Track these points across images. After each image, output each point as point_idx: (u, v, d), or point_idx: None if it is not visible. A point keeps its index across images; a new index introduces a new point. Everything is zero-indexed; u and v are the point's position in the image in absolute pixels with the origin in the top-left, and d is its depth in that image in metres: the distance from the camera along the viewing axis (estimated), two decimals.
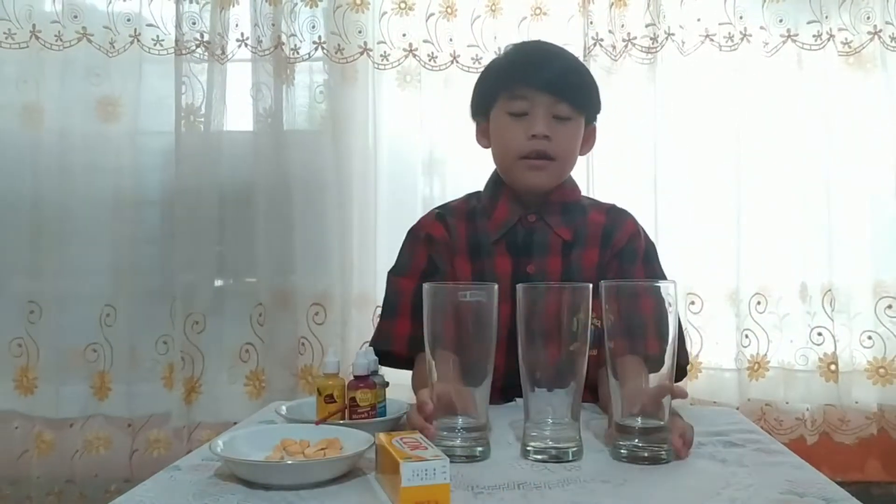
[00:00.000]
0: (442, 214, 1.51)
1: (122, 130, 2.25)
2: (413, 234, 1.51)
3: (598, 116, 1.51)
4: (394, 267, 1.50)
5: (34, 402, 2.21)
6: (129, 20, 2.26)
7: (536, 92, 1.38)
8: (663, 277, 1.47)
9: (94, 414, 2.22)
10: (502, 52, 1.56)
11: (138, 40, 2.25)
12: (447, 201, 1.59)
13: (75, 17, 2.24)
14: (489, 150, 1.49)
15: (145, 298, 2.23)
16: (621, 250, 1.44)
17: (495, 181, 1.50)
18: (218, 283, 2.25)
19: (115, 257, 2.24)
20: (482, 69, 1.56)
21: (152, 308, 2.22)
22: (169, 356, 2.23)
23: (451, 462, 0.99)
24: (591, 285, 1.03)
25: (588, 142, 1.50)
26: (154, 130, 2.27)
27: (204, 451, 1.04)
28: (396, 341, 1.40)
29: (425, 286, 1.05)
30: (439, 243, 1.46)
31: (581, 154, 1.49)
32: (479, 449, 1.02)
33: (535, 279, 1.38)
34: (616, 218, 1.49)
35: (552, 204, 1.46)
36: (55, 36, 2.23)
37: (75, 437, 2.23)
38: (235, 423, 1.37)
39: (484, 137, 1.49)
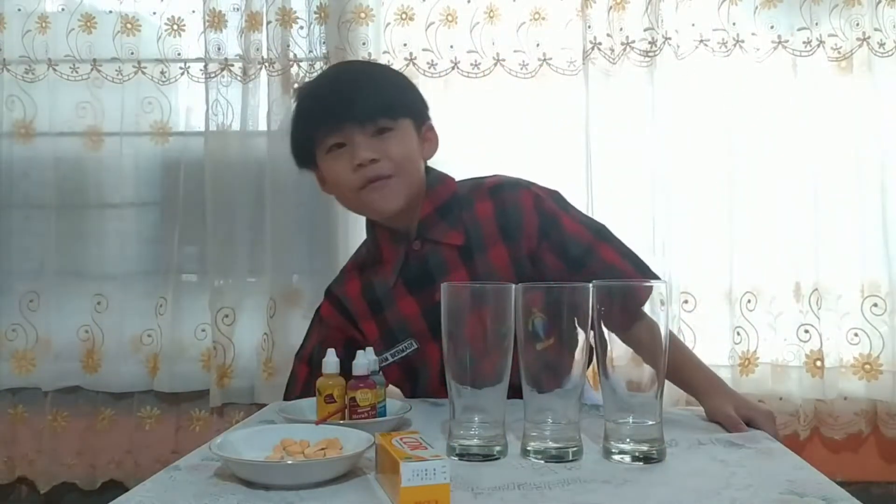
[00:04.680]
0: (332, 292, 1.42)
1: (169, 148, 2.37)
2: (316, 315, 1.44)
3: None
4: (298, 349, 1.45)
5: (97, 380, 2.33)
6: (179, 53, 2.35)
7: (344, 126, 1.25)
8: (587, 218, 1.37)
9: (147, 391, 2.34)
10: (295, 92, 1.41)
11: (162, 72, 2.35)
12: (345, 264, 1.47)
13: (132, 53, 2.34)
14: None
15: (187, 293, 2.36)
16: (540, 229, 1.28)
17: (369, 225, 1.38)
18: (245, 279, 2.35)
19: (166, 257, 2.35)
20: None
21: (194, 301, 2.35)
22: (206, 342, 2.32)
23: (468, 461, 0.96)
24: (589, 285, 0.97)
25: (428, 142, 1.34)
26: (191, 147, 2.38)
27: (204, 451, 1.00)
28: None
29: (443, 286, 0.99)
30: (332, 328, 1.39)
31: (425, 157, 1.33)
32: (498, 448, 0.98)
33: None
34: (504, 200, 1.30)
35: (429, 216, 1.31)
36: (116, 70, 2.34)
37: (131, 411, 2.35)
38: (264, 406, 1.43)
39: (324, 185, 1.36)
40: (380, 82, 1.32)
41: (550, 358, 0.97)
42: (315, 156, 1.31)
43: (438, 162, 2.20)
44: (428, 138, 1.35)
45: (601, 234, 1.33)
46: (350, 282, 1.40)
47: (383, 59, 2.25)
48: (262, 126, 2.29)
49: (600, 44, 2.16)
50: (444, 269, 1.30)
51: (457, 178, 1.39)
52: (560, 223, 1.30)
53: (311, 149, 1.31)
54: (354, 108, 1.24)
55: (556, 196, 1.35)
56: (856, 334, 2.13)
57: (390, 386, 1.25)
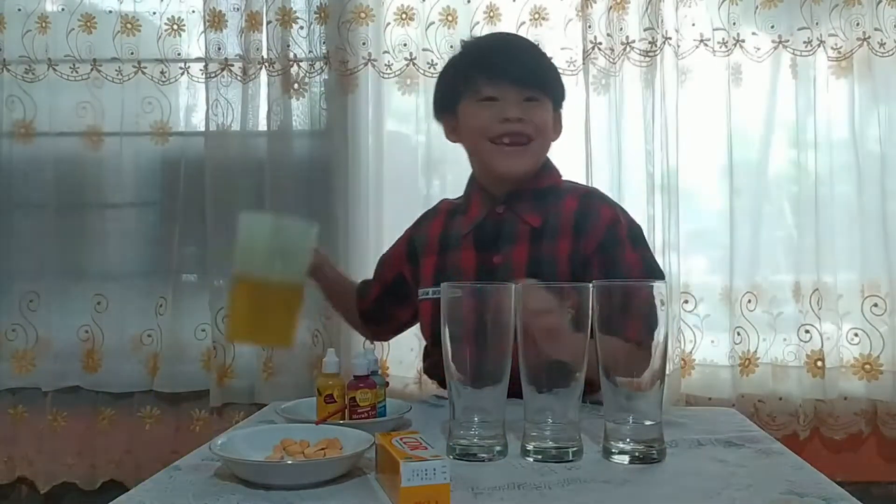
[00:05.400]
0: (408, 230, 1.56)
1: (169, 148, 2.37)
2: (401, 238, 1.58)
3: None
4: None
5: (97, 380, 2.33)
6: (179, 53, 2.35)
7: (502, 83, 1.34)
8: (653, 261, 1.40)
9: (147, 391, 2.33)
10: (460, 46, 1.49)
11: (162, 71, 2.35)
12: (440, 201, 1.60)
13: (131, 53, 2.34)
14: None
15: (187, 293, 2.36)
16: (602, 242, 1.34)
17: (471, 178, 1.47)
18: None
19: (166, 257, 2.34)
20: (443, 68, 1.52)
21: (194, 301, 2.34)
22: (206, 342, 2.31)
23: (468, 461, 0.96)
24: (590, 285, 0.98)
25: (556, 128, 1.44)
26: (191, 147, 2.37)
27: (204, 451, 1.00)
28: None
29: (443, 286, 1.01)
30: (393, 256, 1.57)
31: (553, 138, 1.43)
32: (498, 448, 0.98)
33: (502, 270, 1.34)
34: (589, 205, 1.39)
35: (523, 192, 1.39)
36: (116, 70, 2.34)
37: (131, 411, 2.34)
38: (264, 405, 1.44)
39: (454, 134, 1.44)
40: (541, 59, 1.43)
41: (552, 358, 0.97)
42: (458, 103, 1.39)
43: (439, 161, 2.23)
44: (555, 123, 1.43)
45: (653, 277, 1.38)
46: (436, 221, 1.51)
47: (383, 59, 2.25)
48: (262, 126, 2.29)
49: (600, 44, 2.16)
50: (511, 239, 1.38)
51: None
52: (621, 250, 1.35)
53: (459, 96, 1.39)
54: (517, 70, 1.35)
55: (634, 229, 1.41)
56: (856, 334, 2.13)
57: (390, 386, 1.26)
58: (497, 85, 1.34)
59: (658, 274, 1.40)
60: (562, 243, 1.35)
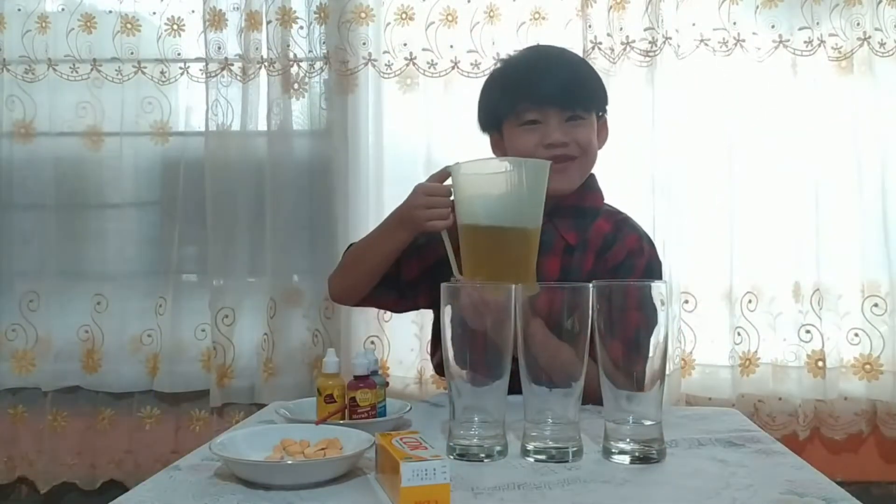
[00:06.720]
0: None
1: (169, 148, 2.37)
2: None
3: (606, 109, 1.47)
4: None
5: (97, 380, 2.33)
6: (179, 53, 2.35)
7: (545, 106, 1.35)
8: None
9: (147, 391, 2.34)
10: (501, 62, 1.49)
11: (162, 71, 2.36)
12: None
13: (131, 53, 2.34)
14: (489, 151, 1.45)
15: (187, 293, 2.36)
16: (618, 266, 1.38)
17: None
18: (245, 279, 2.35)
19: (166, 257, 2.35)
20: (484, 77, 1.51)
21: (194, 301, 2.35)
22: (206, 342, 2.32)
23: (468, 461, 0.96)
24: (589, 286, 0.99)
25: (601, 134, 1.45)
26: (191, 147, 2.37)
27: (204, 451, 1.00)
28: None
29: (443, 286, 1.01)
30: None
31: (598, 147, 1.44)
32: (498, 448, 0.98)
33: None
34: (620, 229, 1.43)
35: (565, 208, 1.40)
36: (116, 70, 2.35)
37: (131, 411, 2.34)
38: (264, 406, 1.45)
39: (498, 149, 1.45)
40: (583, 76, 1.42)
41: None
42: (502, 123, 1.41)
43: (438, 163, 2.23)
44: (601, 130, 1.45)
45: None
46: None
47: (383, 59, 2.25)
48: (262, 126, 2.29)
49: (600, 44, 2.16)
50: (546, 249, 1.36)
51: None
52: (632, 273, 1.38)
53: (503, 116, 1.40)
54: (559, 92, 1.36)
55: (654, 264, 1.43)
56: (856, 334, 2.14)
57: (390, 386, 1.26)
58: (539, 109, 1.35)
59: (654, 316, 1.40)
60: (587, 259, 1.39)
